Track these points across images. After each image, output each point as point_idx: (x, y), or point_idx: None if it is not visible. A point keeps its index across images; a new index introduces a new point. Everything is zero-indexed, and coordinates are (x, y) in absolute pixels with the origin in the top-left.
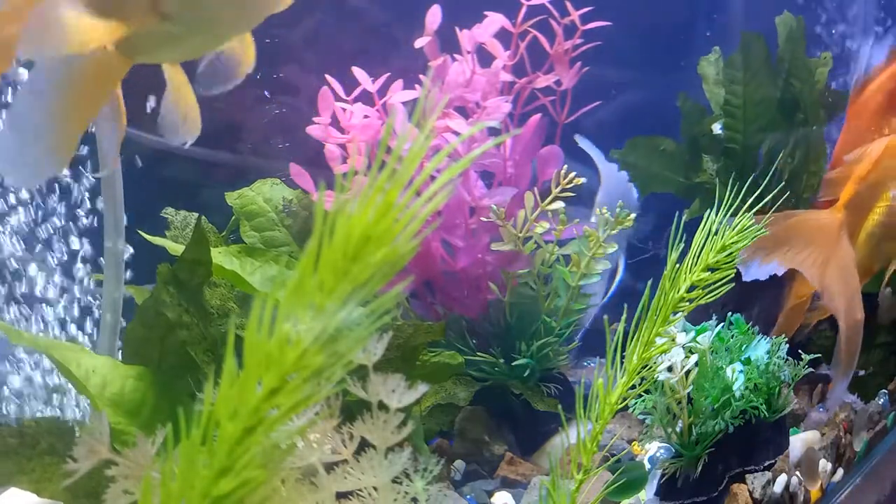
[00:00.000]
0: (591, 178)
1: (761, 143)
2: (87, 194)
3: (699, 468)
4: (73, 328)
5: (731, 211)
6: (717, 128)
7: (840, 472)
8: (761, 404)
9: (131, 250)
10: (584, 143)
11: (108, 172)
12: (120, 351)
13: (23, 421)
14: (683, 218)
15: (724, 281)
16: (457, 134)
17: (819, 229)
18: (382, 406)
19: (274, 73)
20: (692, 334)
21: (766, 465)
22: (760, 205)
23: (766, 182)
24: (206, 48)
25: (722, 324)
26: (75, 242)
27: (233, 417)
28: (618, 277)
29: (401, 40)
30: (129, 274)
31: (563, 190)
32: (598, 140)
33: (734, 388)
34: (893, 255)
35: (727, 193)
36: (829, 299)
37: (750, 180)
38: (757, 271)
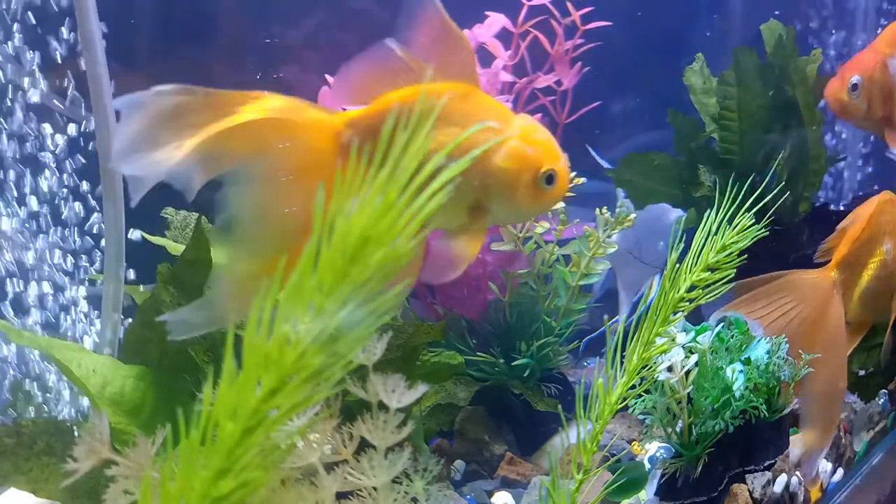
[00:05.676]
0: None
1: (758, 153)
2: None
3: (699, 468)
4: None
5: (728, 217)
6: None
7: (840, 472)
8: (761, 404)
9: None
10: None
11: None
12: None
13: (20, 421)
14: (680, 226)
15: (723, 281)
16: None
17: (811, 288)
18: (382, 406)
19: (274, 73)
20: (692, 334)
21: (766, 465)
22: (759, 206)
23: (764, 185)
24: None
25: (722, 324)
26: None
27: (232, 418)
28: (650, 295)
29: None
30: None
31: None
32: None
33: (734, 388)
34: (887, 308)
35: (726, 200)
36: (813, 363)
37: (748, 182)
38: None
